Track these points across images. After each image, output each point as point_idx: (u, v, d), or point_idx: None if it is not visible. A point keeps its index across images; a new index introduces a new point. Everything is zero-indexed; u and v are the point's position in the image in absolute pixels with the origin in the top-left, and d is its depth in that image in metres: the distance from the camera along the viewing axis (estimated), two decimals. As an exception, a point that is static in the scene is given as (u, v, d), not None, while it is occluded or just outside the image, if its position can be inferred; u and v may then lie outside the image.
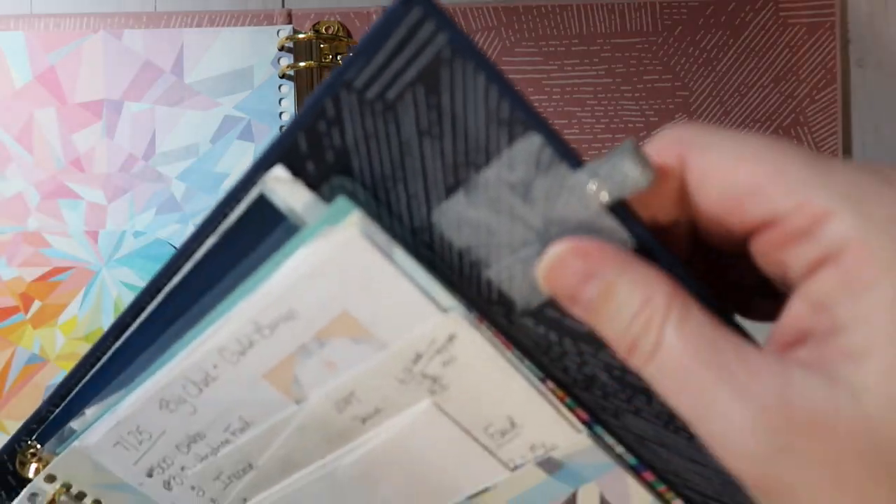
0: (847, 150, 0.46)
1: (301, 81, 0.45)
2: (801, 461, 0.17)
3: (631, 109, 0.45)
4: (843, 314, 0.17)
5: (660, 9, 0.45)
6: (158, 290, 0.27)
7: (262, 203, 0.24)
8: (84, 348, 0.45)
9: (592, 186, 0.20)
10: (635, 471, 0.28)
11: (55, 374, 0.45)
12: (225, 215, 0.25)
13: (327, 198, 0.24)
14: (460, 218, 0.23)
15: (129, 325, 0.28)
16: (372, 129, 0.22)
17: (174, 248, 0.45)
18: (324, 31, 0.45)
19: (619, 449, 0.27)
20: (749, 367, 0.17)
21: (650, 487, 0.28)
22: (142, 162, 0.45)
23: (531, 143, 0.21)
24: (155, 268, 0.45)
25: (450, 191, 0.23)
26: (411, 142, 0.22)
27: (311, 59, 0.44)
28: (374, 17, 0.46)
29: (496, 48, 0.46)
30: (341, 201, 0.23)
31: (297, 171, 0.23)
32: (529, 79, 0.46)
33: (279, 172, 0.23)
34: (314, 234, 0.23)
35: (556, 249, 0.20)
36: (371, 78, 0.21)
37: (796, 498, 0.17)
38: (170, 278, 0.27)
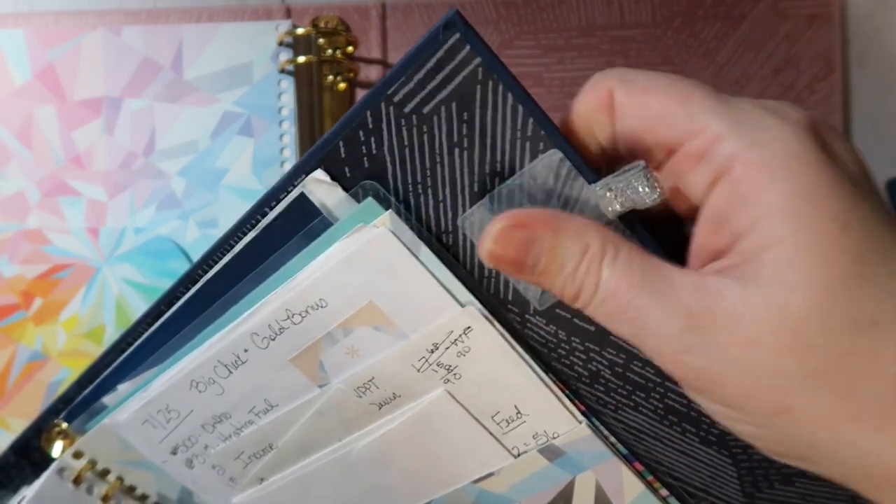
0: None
1: (300, 76, 0.45)
2: (722, 351, 0.20)
3: (630, 102, 0.45)
4: (737, 225, 0.20)
5: (658, 0, 0.45)
6: (194, 281, 0.29)
7: (302, 201, 0.26)
8: (86, 345, 0.45)
9: (607, 198, 0.23)
10: (627, 460, 0.29)
11: (57, 371, 0.45)
12: (264, 213, 0.27)
13: (360, 199, 0.26)
14: (483, 223, 0.25)
15: (163, 312, 0.30)
16: (407, 139, 0.25)
17: (176, 244, 0.45)
18: (322, 25, 0.45)
19: (612, 439, 0.29)
20: (673, 285, 0.21)
21: (640, 476, 0.30)
22: (142, 158, 0.45)
23: (552, 158, 0.24)
24: (156, 264, 0.45)
25: (475, 198, 0.25)
26: (443, 153, 0.25)
27: (311, 54, 0.44)
28: (373, 12, 0.46)
29: (495, 42, 0.46)
30: (370, 202, 0.26)
31: (336, 175, 0.26)
32: (528, 72, 0.46)
33: (319, 175, 0.26)
34: (345, 230, 0.26)
35: (496, 227, 0.22)
36: (410, 93, 0.24)
37: (720, 385, 0.20)
38: (205, 269, 0.29)
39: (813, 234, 0.19)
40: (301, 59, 0.44)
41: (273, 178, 0.45)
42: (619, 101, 0.23)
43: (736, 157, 0.20)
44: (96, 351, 0.45)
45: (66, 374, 0.45)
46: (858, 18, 0.46)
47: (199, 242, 0.45)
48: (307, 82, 0.45)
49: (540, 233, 0.22)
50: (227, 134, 0.45)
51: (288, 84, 0.45)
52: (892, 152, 0.46)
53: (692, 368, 0.21)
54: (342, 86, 0.45)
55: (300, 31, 0.44)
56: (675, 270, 0.21)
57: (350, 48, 0.45)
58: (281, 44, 0.45)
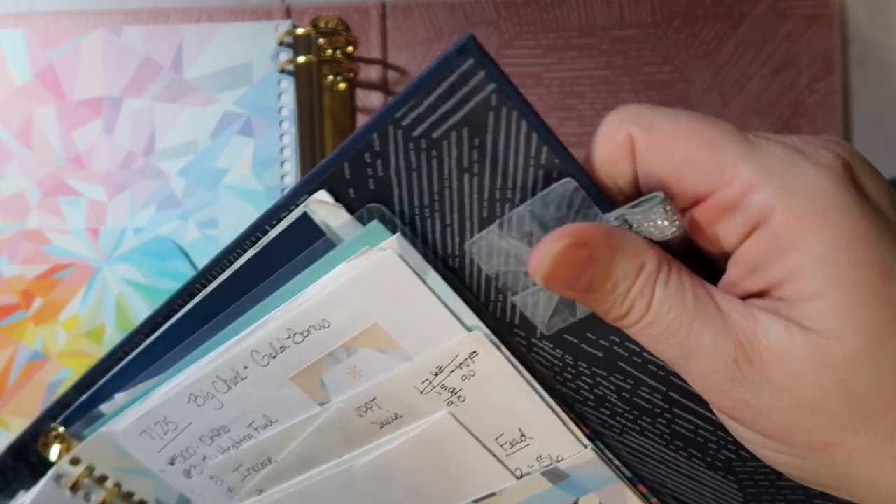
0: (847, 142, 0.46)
1: (300, 76, 0.45)
2: (769, 386, 0.20)
3: (630, 101, 0.45)
4: (776, 274, 0.20)
5: (658, 0, 0.45)
6: (192, 295, 0.28)
7: (304, 221, 0.26)
8: (86, 345, 0.45)
9: (623, 228, 0.22)
10: (631, 482, 0.29)
11: (57, 371, 0.45)
12: (265, 231, 0.27)
13: (365, 222, 0.25)
14: (491, 248, 0.25)
15: (161, 323, 0.30)
16: (415, 163, 0.24)
17: (176, 244, 0.45)
18: (322, 25, 0.45)
19: (616, 463, 0.29)
20: (722, 312, 0.20)
21: (644, 499, 0.30)
22: (142, 158, 0.45)
23: (566, 187, 0.23)
24: (156, 264, 0.45)
25: (484, 223, 0.24)
26: (451, 177, 0.24)
27: (311, 54, 0.44)
28: (373, 12, 0.46)
29: (495, 41, 0.46)
30: (375, 225, 0.25)
31: (340, 196, 0.25)
32: (528, 72, 0.46)
33: (322, 196, 0.25)
34: (350, 252, 0.25)
35: (556, 247, 0.21)
36: (419, 117, 0.23)
37: (762, 417, 0.20)
38: (204, 283, 0.28)
39: (856, 286, 0.19)
40: (301, 59, 0.44)
41: (273, 178, 0.45)
42: (641, 149, 0.21)
43: (772, 207, 0.19)
44: (96, 351, 0.45)
45: (66, 374, 0.45)
46: (858, 18, 0.46)
47: (199, 242, 0.45)
48: (307, 82, 0.45)
49: (598, 252, 0.21)
50: (227, 134, 0.45)
51: (288, 84, 0.45)
52: (892, 152, 0.46)
53: (736, 398, 0.20)
54: (342, 86, 0.45)
55: (300, 31, 0.44)
56: (723, 297, 0.21)
57: (350, 48, 0.45)
58: (281, 44, 0.45)
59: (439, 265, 0.26)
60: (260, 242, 0.27)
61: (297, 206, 0.26)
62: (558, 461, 0.28)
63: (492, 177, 0.23)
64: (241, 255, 0.27)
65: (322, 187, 0.25)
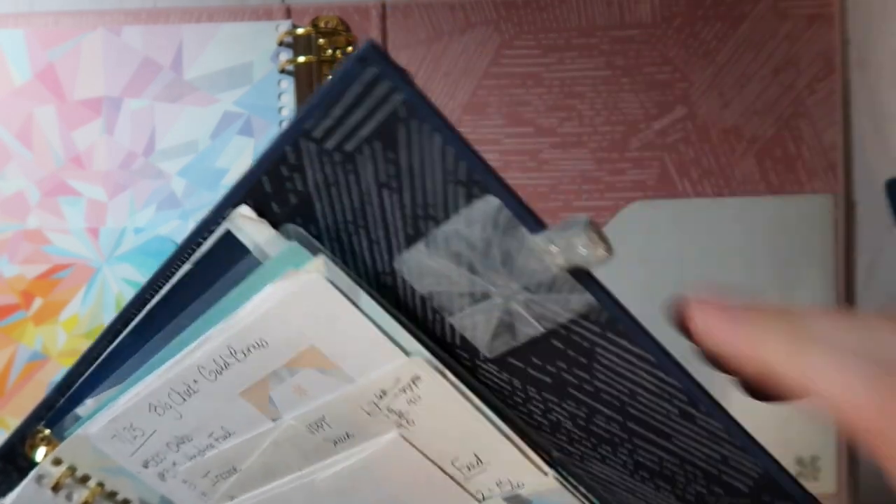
0: (847, 143, 0.46)
1: (300, 76, 0.45)
2: None
3: (630, 101, 0.45)
4: None
5: (658, 1, 0.45)
6: (144, 303, 0.28)
7: (229, 237, 0.25)
8: (86, 345, 0.45)
9: (550, 252, 0.20)
10: None
11: (57, 371, 0.45)
12: (198, 244, 0.25)
13: (289, 237, 0.24)
14: (421, 267, 0.23)
15: (120, 331, 0.29)
16: (332, 177, 0.22)
17: (175, 244, 0.45)
18: (322, 25, 0.45)
19: (582, 490, 0.27)
20: None
21: None
22: (142, 158, 0.45)
23: (489, 205, 0.21)
24: (156, 264, 0.45)
25: (410, 240, 0.23)
26: (371, 192, 0.22)
27: (311, 54, 0.44)
28: (373, 12, 0.46)
29: (495, 41, 0.46)
30: (295, 247, 0.24)
31: (263, 211, 0.24)
32: (528, 72, 0.45)
33: (245, 211, 0.24)
34: (275, 273, 0.24)
35: None
36: (329, 129, 0.21)
37: None
38: (152, 294, 0.28)
39: None
40: (301, 59, 0.44)
41: (273, 178, 0.45)
42: (778, 371, 0.20)
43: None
44: (96, 351, 0.45)
45: (66, 374, 0.46)
46: (858, 19, 0.46)
47: (199, 242, 0.45)
48: (307, 82, 0.45)
49: None
50: (227, 134, 0.45)
51: (288, 84, 0.45)
52: (893, 152, 0.46)
53: None
54: (342, 86, 0.45)
55: (300, 31, 0.44)
56: None
57: (350, 48, 0.45)
58: (281, 44, 0.45)
59: (371, 285, 0.24)
60: (192, 258, 0.26)
61: (224, 219, 0.24)
62: (519, 487, 0.27)
63: (412, 193, 0.22)
64: (177, 270, 0.26)
65: (244, 201, 0.24)
